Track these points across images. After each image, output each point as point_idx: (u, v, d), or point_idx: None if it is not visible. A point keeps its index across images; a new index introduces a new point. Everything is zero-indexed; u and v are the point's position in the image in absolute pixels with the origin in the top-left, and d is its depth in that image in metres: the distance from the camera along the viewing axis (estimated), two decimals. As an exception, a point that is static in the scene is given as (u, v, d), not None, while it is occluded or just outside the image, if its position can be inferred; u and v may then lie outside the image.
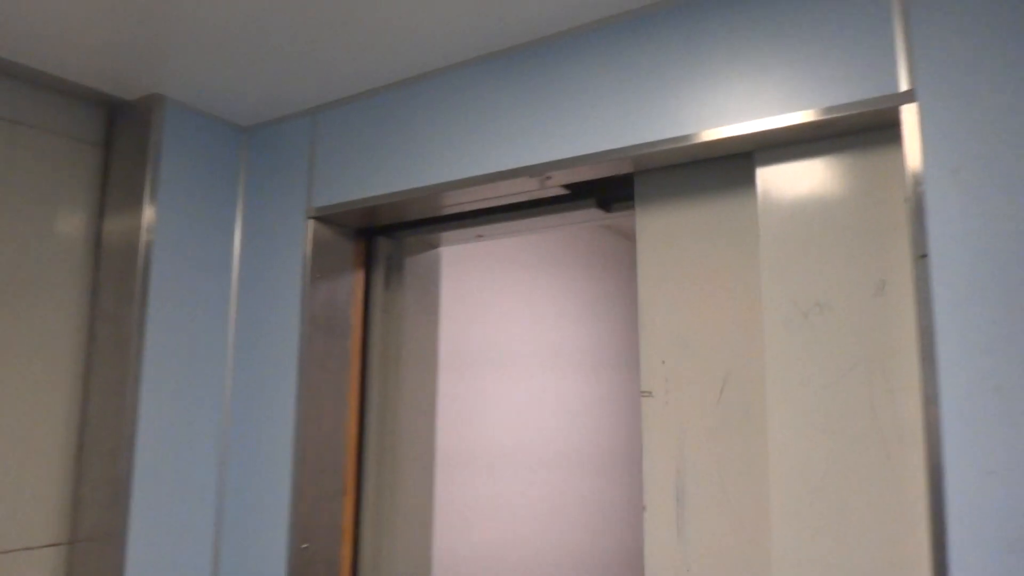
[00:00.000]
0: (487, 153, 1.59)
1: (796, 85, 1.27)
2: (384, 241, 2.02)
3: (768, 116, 1.29)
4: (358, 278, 1.99)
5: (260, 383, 1.90)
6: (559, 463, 3.13)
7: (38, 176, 1.80)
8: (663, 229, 1.50)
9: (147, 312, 1.78)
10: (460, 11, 1.47)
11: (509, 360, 2.86)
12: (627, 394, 3.71)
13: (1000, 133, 1.11)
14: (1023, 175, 1.08)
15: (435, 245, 2.12)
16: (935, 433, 1.11)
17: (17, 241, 1.75)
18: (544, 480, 3.02)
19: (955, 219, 1.12)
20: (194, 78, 1.77)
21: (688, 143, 1.35)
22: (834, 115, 1.22)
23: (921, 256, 1.14)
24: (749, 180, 1.41)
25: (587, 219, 1.75)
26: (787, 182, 1.35)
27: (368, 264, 2.01)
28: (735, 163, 1.43)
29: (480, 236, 1.97)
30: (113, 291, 1.82)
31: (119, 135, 1.90)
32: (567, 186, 1.61)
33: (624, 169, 1.49)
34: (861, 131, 1.29)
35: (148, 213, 1.80)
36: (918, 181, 1.15)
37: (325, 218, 1.88)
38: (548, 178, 1.52)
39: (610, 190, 1.70)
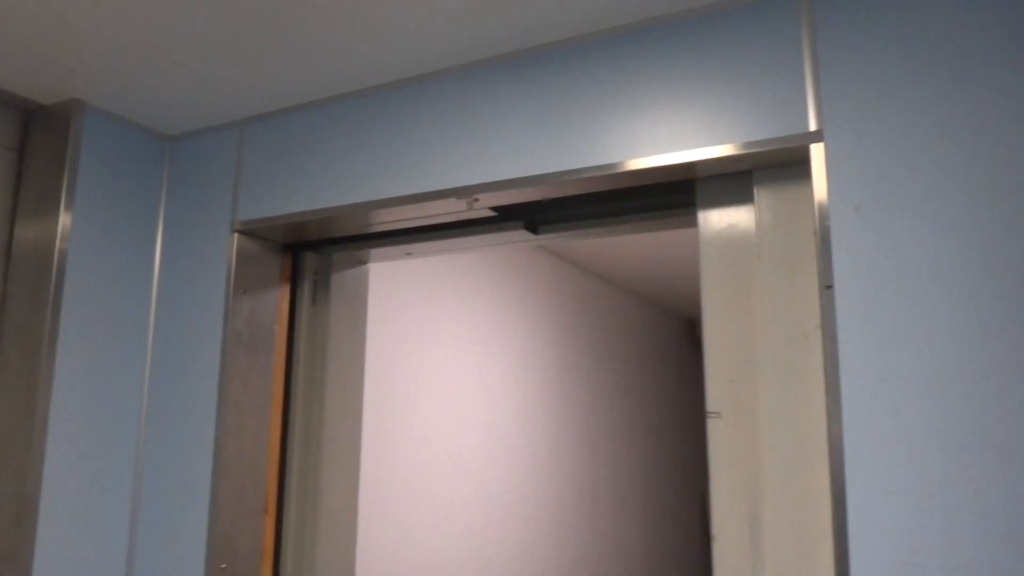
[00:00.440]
0: (415, 173, 1.60)
1: (715, 120, 1.33)
2: (311, 256, 2.00)
3: (690, 148, 1.34)
4: (283, 293, 1.96)
5: (178, 399, 1.85)
6: (489, 477, 3.14)
7: (-57, 180, 1.72)
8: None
9: (60, 324, 1.72)
10: (391, 33, 1.49)
11: (438, 376, 2.87)
12: (557, 406, 3.76)
13: (900, 173, 1.19)
14: (921, 212, 1.16)
15: (364, 261, 2.12)
16: (838, 454, 1.17)
17: (-82, 248, 1.67)
18: (473, 497, 3.02)
19: (857, 252, 1.19)
20: (116, 85, 1.72)
21: (612, 172, 1.39)
22: (751, 150, 1.29)
23: (827, 287, 1.21)
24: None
25: (515, 240, 1.78)
26: (721, 211, 1.41)
27: (294, 279, 1.99)
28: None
29: (409, 254, 1.97)
30: (23, 301, 1.75)
31: (34, 140, 1.83)
32: (495, 208, 1.64)
33: (552, 194, 1.52)
34: (783, 166, 1.35)
35: (63, 221, 1.74)
36: (824, 216, 1.22)
37: (250, 232, 1.85)
38: (475, 200, 1.54)
39: (538, 213, 1.73)
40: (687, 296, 4.97)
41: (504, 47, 1.53)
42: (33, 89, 1.75)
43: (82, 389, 1.76)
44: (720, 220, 1.42)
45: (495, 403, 3.26)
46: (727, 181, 1.41)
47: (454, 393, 2.96)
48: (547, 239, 1.77)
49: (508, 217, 1.71)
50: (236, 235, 1.84)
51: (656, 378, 5.23)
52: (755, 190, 1.38)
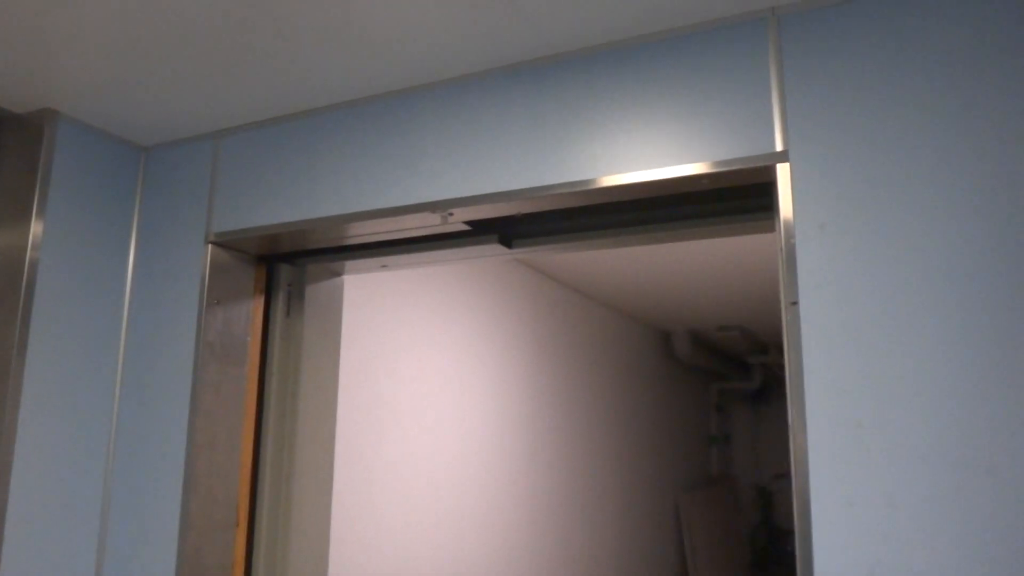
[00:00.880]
0: (390, 187, 1.62)
1: (685, 140, 1.36)
2: (286, 268, 2.00)
3: (660, 167, 1.37)
4: (257, 304, 1.96)
5: (150, 410, 1.84)
6: (464, 490, 3.14)
7: (-88, 188, 1.70)
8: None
9: (29, 334, 1.70)
10: (367, 49, 1.50)
11: (413, 388, 2.87)
12: (532, 418, 3.77)
13: (864, 192, 1.22)
14: (884, 231, 1.20)
15: (338, 273, 2.12)
16: (802, 466, 1.19)
17: None
18: (448, 509, 3.02)
19: (821, 269, 1.22)
20: (90, 94, 1.72)
21: (584, 188, 1.42)
22: (720, 169, 1.32)
23: (792, 303, 1.24)
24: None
25: (489, 254, 1.79)
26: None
27: (268, 291, 1.99)
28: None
29: (384, 266, 1.98)
30: (-9, 312, 1.73)
31: (7, 149, 1.82)
32: (469, 222, 1.66)
33: (525, 209, 1.54)
34: (755, 185, 1.39)
35: (35, 230, 1.73)
36: (790, 234, 1.25)
37: (224, 243, 1.85)
38: (450, 214, 1.55)
39: (512, 227, 1.75)
40: (663, 309, 5.01)
41: (478, 65, 1.55)
42: (5, 98, 1.74)
43: (51, 400, 1.74)
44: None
45: (470, 415, 3.26)
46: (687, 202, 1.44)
47: (429, 405, 2.97)
48: (521, 253, 1.79)
49: (482, 231, 1.73)
50: (210, 246, 1.84)
51: (632, 390, 5.26)
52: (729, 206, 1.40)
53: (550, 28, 1.42)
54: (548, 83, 1.50)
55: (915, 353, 1.15)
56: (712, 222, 1.55)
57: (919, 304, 1.16)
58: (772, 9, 1.33)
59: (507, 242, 1.75)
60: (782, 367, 6.02)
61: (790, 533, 7.54)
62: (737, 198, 1.51)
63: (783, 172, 1.27)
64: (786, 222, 1.26)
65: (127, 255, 1.94)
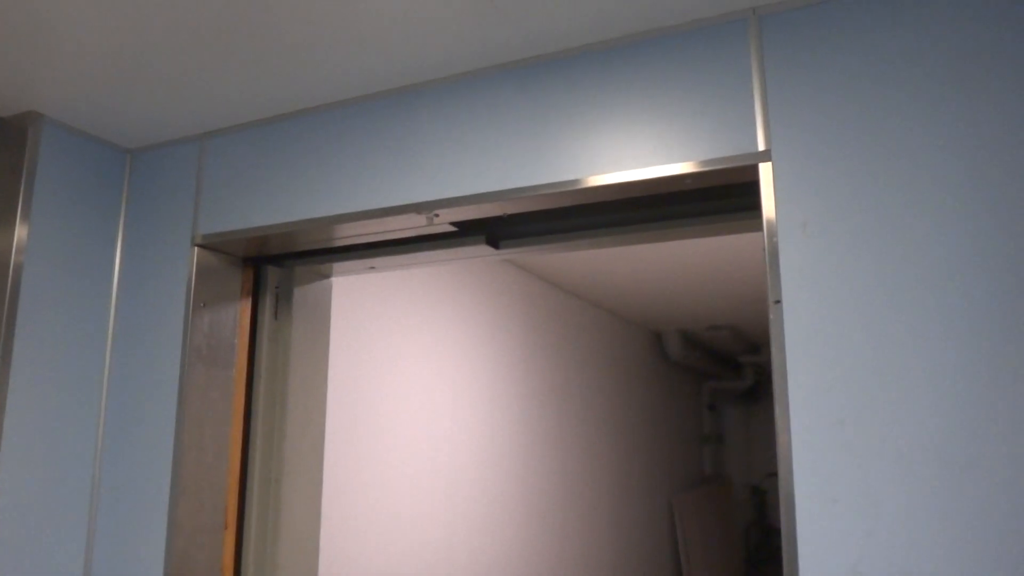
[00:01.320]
0: (376, 188, 1.62)
1: (668, 140, 1.37)
2: (273, 270, 2.00)
3: (644, 167, 1.37)
4: (245, 307, 1.95)
5: (137, 413, 1.83)
6: (455, 491, 3.14)
7: None
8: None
9: (14, 337, 1.69)
10: (353, 50, 1.50)
11: (403, 390, 2.86)
12: (524, 419, 3.77)
13: (844, 192, 1.23)
14: (864, 230, 1.21)
15: (327, 275, 2.12)
16: (787, 464, 1.20)
17: None
18: (439, 511, 3.02)
19: (804, 268, 1.23)
20: (75, 97, 1.71)
21: (569, 188, 1.42)
22: (703, 169, 1.32)
23: (776, 301, 1.24)
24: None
25: (477, 255, 1.80)
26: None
27: (256, 293, 1.99)
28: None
29: (372, 268, 1.98)
30: (-24, 316, 1.72)
31: (-10, 152, 1.81)
32: (456, 223, 1.66)
33: (511, 210, 1.55)
34: (740, 184, 1.39)
35: (20, 233, 1.72)
36: (772, 233, 1.26)
37: (211, 245, 1.85)
38: (436, 215, 1.56)
39: (499, 228, 1.75)
40: (655, 310, 5.02)
41: (463, 67, 1.56)
42: (-11, 101, 1.74)
43: (37, 404, 1.73)
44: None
45: (461, 416, 3.26)
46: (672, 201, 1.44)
47: (419, 407, 2.96)
48: (508, 254, 1.79)
49: (469, 232, 1.73)
50: (196, 249, 1.83)
51: (624, 390, 5.27)
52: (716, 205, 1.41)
53: (533, 29, 1.42)
54: (532, 84, 1.51)
55: (897, 351, 1.16)
56: (698, 222, 1.56)
57: (901, 302, 1.17)
58: (753, 9, 1.34)
59: (494, 243, 1.75)
60: (774, 366, 6.01)
61: (783, 532, 7.52)
62: (722, 197, 1.52)
63: (765, 171, 1.27)
64: (769, 221, 1.26)
65: (113, 258, 1.94)
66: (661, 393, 6.14)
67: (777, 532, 8.00)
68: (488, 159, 1.51)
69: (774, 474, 8.40)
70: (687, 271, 3.94)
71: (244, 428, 1.93)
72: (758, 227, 1.50)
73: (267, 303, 1.98)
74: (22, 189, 1.74)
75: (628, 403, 5.34)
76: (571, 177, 1.43)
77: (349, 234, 1.74)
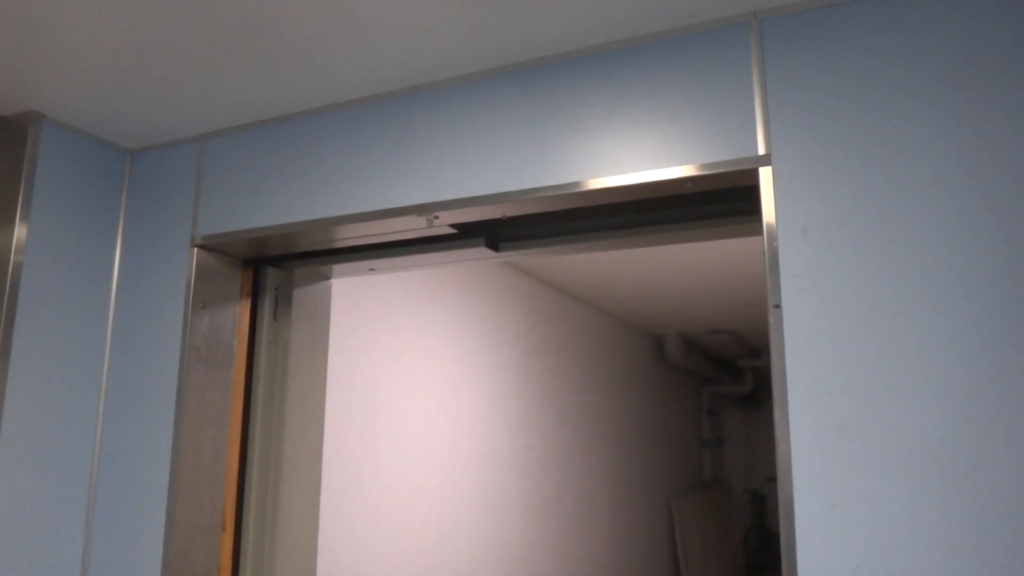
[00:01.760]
0: (376, 190, 1.61)
1: (669, 143, 1.36)
2: (273, 271, 2.00)
3: (645, 170, 1.37)
4: (244, 308, 1.95)
5: (135, 414, 1.83)
6: (453, 494, 3.13)
7: None
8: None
9: (12, 337, 1.69)
10: (353, 52, 1.50)
11: (402, 392, 2.86)
12: (524, 422, 3.77)
13: (844, 196, 1.23)
14: (864, 234, 1.20)
15: (327, 276, 2.12)
16: (786, 469, 1.20)
17: None
18: (437, 513, 3.01)
19: (804, 273, 1.23)
20: (75, 97, 1.71)
21: (570, 191, 1.42)
22: (703, 172, 1.32)
23: (775, 306, 1.24)
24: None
25: (476, 257, 1.79)
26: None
27: (255, 294, 1.98)
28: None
29: (372, 269, 1.98)
30: (-25, 315, 1.72)
31: (-10, 152, 1.81)
32: (455, 226, 1.66)
33: (510, 212, 1.54)
34: (740, 188, 1.39)
35: (19, 233, 1.72)
36: (772, 237, 1.25)
37: (211, 246, 1.85)
38: (435, 217, 1.55)
39: (499, 230, 1.75)
40: (655, 313, 5.02)
41: (464, 69, 1.55)
42: (-10, 100, 1.74)
43: (35, 404, 1.73)
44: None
45: (460, 418, 3.26)
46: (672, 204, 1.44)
47: (418, 409, 2.96)
48: (508, 256, 1.79)
49: (469, 234, 1.73)
50: (196, 249, 1.83)
51: (624, 394, 5.26)
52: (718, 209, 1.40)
53: (535, 32, 1.42)
54: (533, 86, 1.50)
55: (897, 356, 1.16)
56: (698, 225, 1.56)
57: (901, 307, 1.17)
58: (754, 13, 1.33)
59: (494, 245, 1.75)
60: (774, 370, 6.00)
61: (782, 536, 7.50)
62: (723, 201, 1.52)
63: (765, 175, 1.27)
64: (769, 225, 1.26)
65: (112, 258, 1.93)
66: (661, 397, 6.14)
67: (776, 537, 7.98)
68: (488, 161, 1.51)
69: (773, 479, 8.41)
70: (687, 275, 3.94)
71: (242, 429, 1.92)
72: (758, 231, 1.49)
73: (266, 304, 1.98)
74: (22, 188, 1.74)
75: (628, 407, 5.34)
76: (571, 180, 1.42)
77: (349, 235, 1.74)
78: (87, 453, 1.84)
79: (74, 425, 1.81)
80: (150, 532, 1.74)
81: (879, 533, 1.13)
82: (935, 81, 1.20)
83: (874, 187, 1.21)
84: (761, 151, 1.28)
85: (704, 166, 1.32)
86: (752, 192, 1.42)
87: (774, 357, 1.23)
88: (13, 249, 1.71)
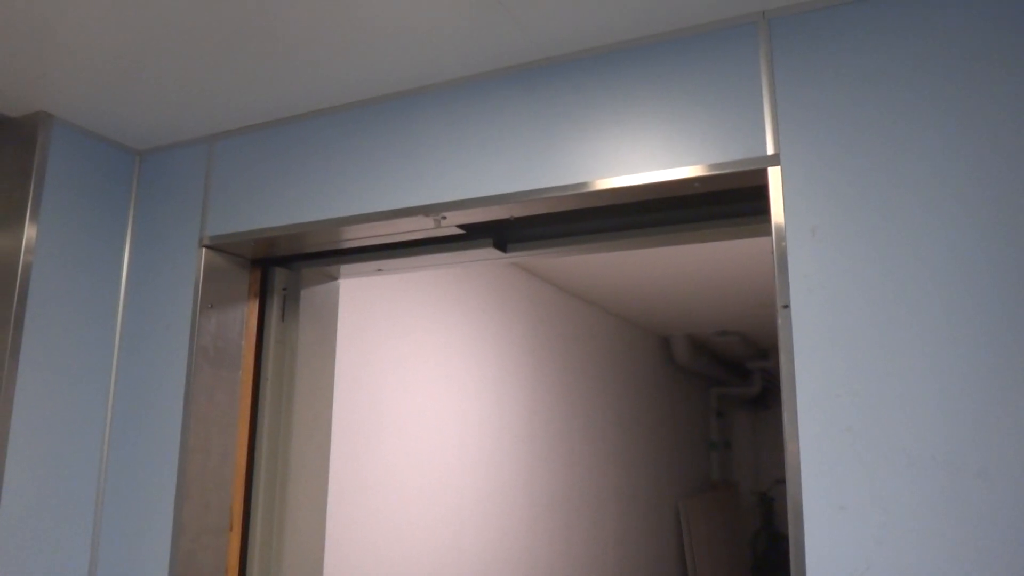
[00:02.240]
0: (384, 191, 1.62)
1: (678, 143, 1.36)
2: (281, 272, 2.00)
3: (654, 170, 1.37)
4: (252, 309, 1.96)
5: (144, 414, 1.83)
6: (461, 495, 3.13)
7: (-94, 192, 1.70)
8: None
9: (22, 337, 1.70)
10: (361, 53, 1.50)
11: (410, 393, 2.86)
12: (531, 423, 3.76)
13: (853, 196, 1.22)
14: (873, 234, 1.20)
15: (334, 277, 2.12)
16: (795, 470, 1.19)
17: None
18: (444, 514, 3.01)
19: (813, 273, 1.22)
20: (84, 98, 1.72)
21: (578, 191, 1.42)
22: (712, 173, 1.31)
23: (784, 306, 1.23)
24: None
25: (484, 258, 1.79)
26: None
27: (263, 295, 1.99)
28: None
29: (380, 270, 1.98)
30: (-15, 315, 1.73)
31: (0, 152, 1.82)
32: (463, 226, 1.65)
33: (518, 212, 1.54)
34: (749, 189, 1.38)
35: (29, 233, 1.73)
36: (781, 237, 1.25)
37: (219, 247, 1.85)
38: (443, 218, 1.55)
39: (507, 231, 1.75)
40: (663, 314, 5.01)
41: (472, 69, 1.55)
42: None
43: (44, 403, 1.74)
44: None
45: (469, 420, 3.26)
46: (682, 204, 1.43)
47: (426, 410, 2.96)
48: (516, 257, 1.79)
49: (476, 235, 1.73)
50: (204, 250, 1.84)
51: (632, 395, 5.25)
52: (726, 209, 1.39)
53: (543, 32, 1.42)
54: (541, 87, 1.50)
55: (906, 357, 1.15)
56: (706, 226, 1.55)
57: (910, 308, 1.16)
58: (762, 13, 1.33)
59: (502, 246, 1.75)
60: (782, 372, 5.97)
61: (791, 539, 7.47)
62: (731, 202, 1.51)
63: (774, 175, 1.27)
64: (778, 225, 1.25)
65: (121, 259, 1.94)
66: (668, 398, 6.12)
67: (785, 539, 7.95)
68: (495, 161, 1.51)
69: (782, 481, 8.37)
70: (696, 276, 3.93)
71: (250, 429, 1.93)
72: (767, 231, 1.49)
73: (274, 304, 1.98)
74: (31, 189, 1.75)
75: (635, 408, 5.32)
76: (578, 180, 1.42)
77: (356, 236, 1.74)
78: (95, 453, 1.84)
79: (82, 425, 1.82)
80: (157, 532, 1.75)
81: (888, 535, 1.12)
82: (943, 81, 1.19)
83: (883, 187, 1.20)
84: (770, 151, 1.28)
85: (712, 166, 1.32)
86: (760, 192, 1.41)
87: (783, 358, 1.22)
88: (23, 249, 1.72)
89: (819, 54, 1.28)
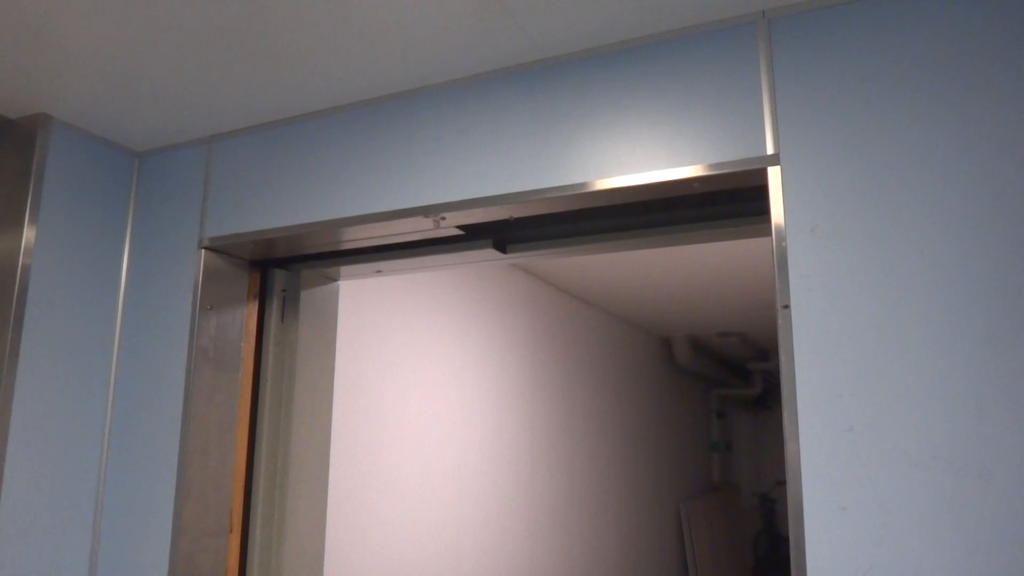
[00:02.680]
0: (383, 191, 1.61)
1: (677, 143, 1.36)
2: (280, 273, 2.00)
3: (653, 170, 1.37)
4: (251, 310, 1.95)
5: (143, 416, 1.83)
6: (461, 497, 3.13)
7: (-95, 194, 1.70)
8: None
9: (21, 339, 1.70)
10: (360, 54, 1.50)
11: (410, 395, 2.86)
12: (531, 424, 3.76)
13: (853, 195, 1.22)
14: (874, 234, 1.19)
15: (333, 278, 2.12)
16: (795, 470, 1.19)
17: None
18: (445, 516, 3.00)
19: (813, 273, 1.22)
20: (83, 100, 1.72)
21: (578, 192, 1.41)
22: (711, 172, 1.31)
23: (784, 306, 1.23)
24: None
25: (484, 259, 1.79)
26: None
27: (263, 296, 1.98)
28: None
29: (379, 271, 1.98)
30: (-16, 317, 1.73)
31: (-1, 154, 1.82)
32: (462, 227, 1.65)
33: (517, 213, 1.54)
34: (749, 189, 1.38)
35: (27, 235, 1.73)
36: (781, 237, 1.24)
37: (218, 248, 1.85)
38: (442, 218, 1.55)
39: (506, 232, 1.75)
40: (663, 315, 5.00)
41: (471, 70, 1.55)
42: (-1, 103, 1.75)
43: (43, 405, 1.73)
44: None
45: (469, 422, 3.25)
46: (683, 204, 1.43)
47: (426, 412, 2.96)
48: (516, 258, 1.78)
49: (476, 236, 1.73)
50: (203, 251, 1.83)
51: (632, 396, 5.25)
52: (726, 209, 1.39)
53: (542, 32, 1.41)
54: (540, 87, 1.50)
55: (907, 357, 1.14)
56: (706, 226, 1.55)
57: (911, 307, 1.15)
58: (762, 12, 1.33)
59: (501, 247, 1.74)
60: (783, 373, 5.96)
61: (792, 540, 7.45)
62: (731, 202, 1.51)
63: (774, 175, 1.26)
64: (777, 225, 1.25)
65: (120, 260, 1.94)
66: (669, 399, 6.12)
67: (786, 541, 7.94)
68: (495, 162, 1.50)
69: (783, 483, 8.37)
70: (696, 276, 3.93)
71: (250, 431, 1.92)
72: (767, 232, 1.48)
73: (274, 306, 1.98)
74: (30, 191, 1.74)
75: (636, 409, 5.32)
76: (578, 180, 1.42)
77: (356, 237, 1.74)
78: (95, 455, 1.84)
79: (82, 426, 1.82)
80: (157, 534, 1.74)
81: (889, 536, 1.12)
82: (944, 80, 1.19)
83: (883, 186, 1.20)
84: (770, 151, 1.28)
85: (712, 166, 1.31)
86: (760, 192, 1.41)
87: (783, 358, 1.22)
88: (22, 251, 1.72)
89: (819, 53, 1.27)
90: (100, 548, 1.82)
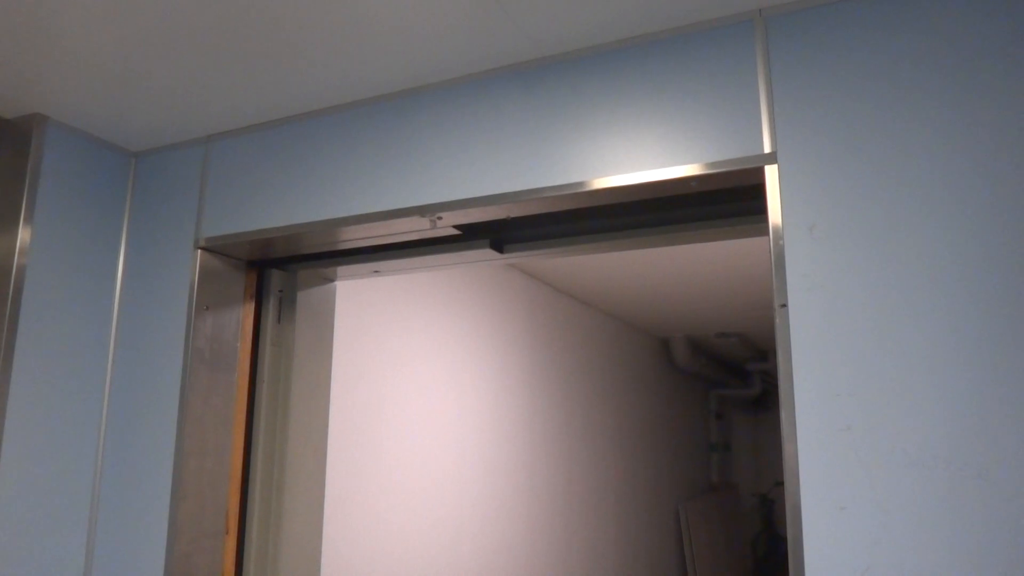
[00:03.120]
0: (380, 191, 1.61)
1: (674, 142, 1.35)
2: (277, 274, 1.99)
3: (650, 169, 1.36)
4: (248, 311, 1.95)
5: (138, 417, 1.83)
6: (460, 497, 3.12)
7: (-100, 194, 1.69)
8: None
9: (16, 340, 1.69)
10: (357, 54, 1.50)
11: (408, 395, 2.85)
12: (530, 426, 3.75)
13: (851, 194, 1.21)
14: (872, 233, 1.19)
15: (330, 279, 2.11)
16: (793, 470, 1.18)
17: None
18: (443, 517, 3.00)
19: (810, 272, 1.21)
20: (79, 100, 1.71)
21: (574, 191, 1.41)
22: (708, 171, 1.31)
23: (781, 305, 1.23)
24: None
25: (481, 259, 1.78)
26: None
27: (259, 296, 1.98)
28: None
29: (376, 271, 1.97)
30: (-21, 318, 1.72)
31: (-5, 154, 1.81)
32: (459, 227, 1.65)
33: (514, 213, 1.53)
34: (746, 188, 1.38)
35: (23, 236, 1.72)
36: (778, 236, 1.24)
37: (214, 248, 1.84)
38: (439, 218, 1.54)
39: (504, 232, 1.74)
40: (662, 316, 5.00)
41: (468, 69, 1.55)
42: (-6, 103, 1.74)
43: (38, 407, 1.73)
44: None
45: (465, 422, 3.25)
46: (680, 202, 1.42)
47: (423, 412, 2.95)
48: (513, 258, 1.78)
49: (474, 236, 1.72)
50: (200, 251, 1.83)
51: (631, 397, 5.24)
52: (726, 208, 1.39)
53: (539, 31, 1.41)
54: (537, 86, 1.49)
55: (905, 356, 1.14)
56: (704, 225, 1.54)
57: (909, 306, 1.15)
58: (759, 11, 1.32)
59: (499, 247, 1.74)
60: (781, 374, 5.96)
61: (791, 541, 7.46)
62: (729, 201, 1.50)
63: (771, 174, 1.26)
64: (775, 224, 1.25)
65: (116, 261, 1.93)
66: (668, 400, 6.11)
67: (785, 541, 7.94)
68: (492, 161, 1.50)
69: (782, 483, 8.37)
70: (694, 277, 3.92)
71: (246, 432, 1.92)
72: (764, 231, 1.48)
73: (270, 306, 1.97)
74: (26, 191, 1.74)
75: (634, 410, 5.31)
76: (575, 179, 1.41)
77: (353, 237, 1.73)
78: (90, 456, 1.83)
79: (77, 427, 1.81)
80: (153, 535, 1.74)
81: (888, 535, 1.11)
82: (941, 78, 1.18)
83: (881, 185, 1.19)
84: (767, 149, 1.27)
85: (709, 165, 1.31)
86: (758, 191, 1.41)
87: (781, 357, 1.22)
88: (17, 252, 1.71)
89: (816, 52, 1.27)
90: (96, 549, 1.81)
